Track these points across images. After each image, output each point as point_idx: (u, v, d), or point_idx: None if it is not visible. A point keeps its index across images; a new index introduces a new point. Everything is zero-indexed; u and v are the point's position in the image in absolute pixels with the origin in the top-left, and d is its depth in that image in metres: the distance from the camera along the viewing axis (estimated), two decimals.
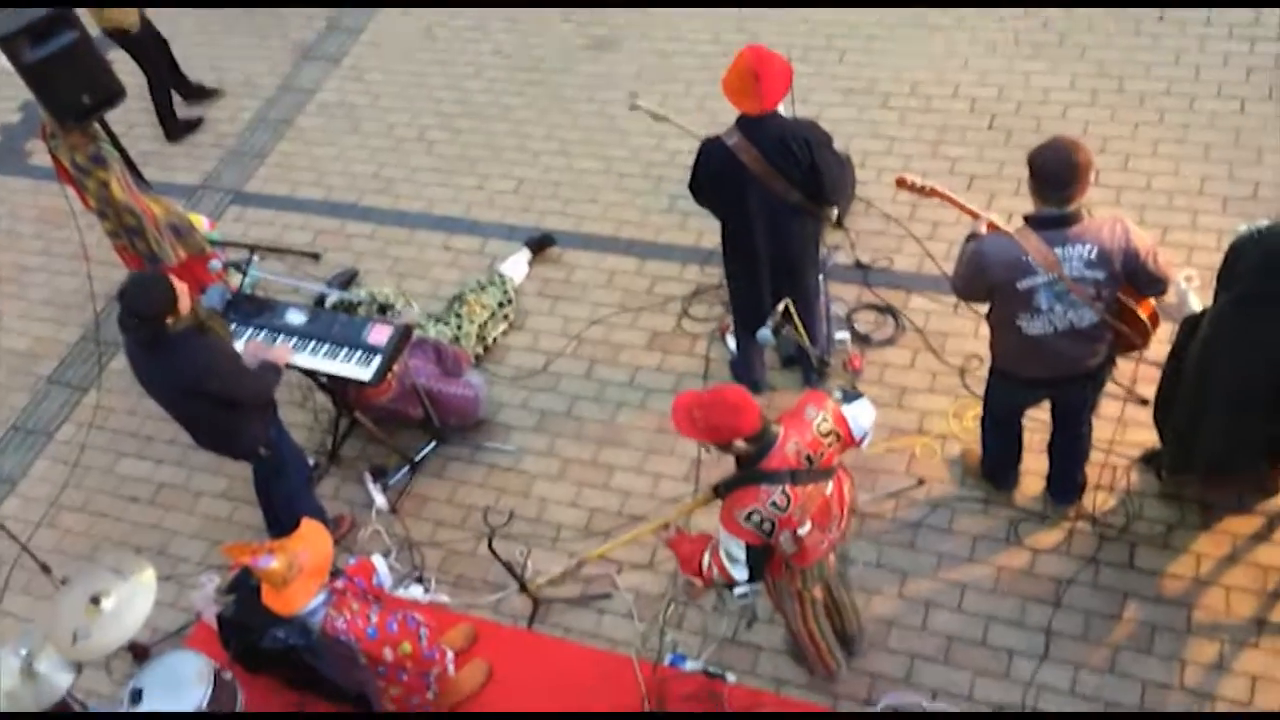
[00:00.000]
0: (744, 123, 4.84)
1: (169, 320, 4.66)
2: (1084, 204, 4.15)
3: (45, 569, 5.26)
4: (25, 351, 7.02)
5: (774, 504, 3.81)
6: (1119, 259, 4.14)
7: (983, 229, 4.49)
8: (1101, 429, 5.22)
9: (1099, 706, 4.58)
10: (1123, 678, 4.64)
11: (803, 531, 3.96)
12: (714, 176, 5.01)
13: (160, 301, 4.65)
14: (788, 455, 3.84)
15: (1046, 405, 4.86)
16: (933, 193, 4.91)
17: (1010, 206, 6.14)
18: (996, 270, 4.21)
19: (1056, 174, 4.04)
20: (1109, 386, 5.30)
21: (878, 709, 4.67)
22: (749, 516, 3.80)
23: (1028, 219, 4.19)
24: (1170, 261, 4.31)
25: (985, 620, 4.90)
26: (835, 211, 5.11)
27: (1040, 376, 4.53)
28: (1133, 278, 4.22)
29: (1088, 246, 4.10)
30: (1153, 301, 4.41)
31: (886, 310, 6.00)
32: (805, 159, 4.81)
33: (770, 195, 4.90)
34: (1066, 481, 5.07)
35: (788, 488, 3.82)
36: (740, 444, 3.80)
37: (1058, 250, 4.10)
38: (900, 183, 4.88)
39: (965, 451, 5.30)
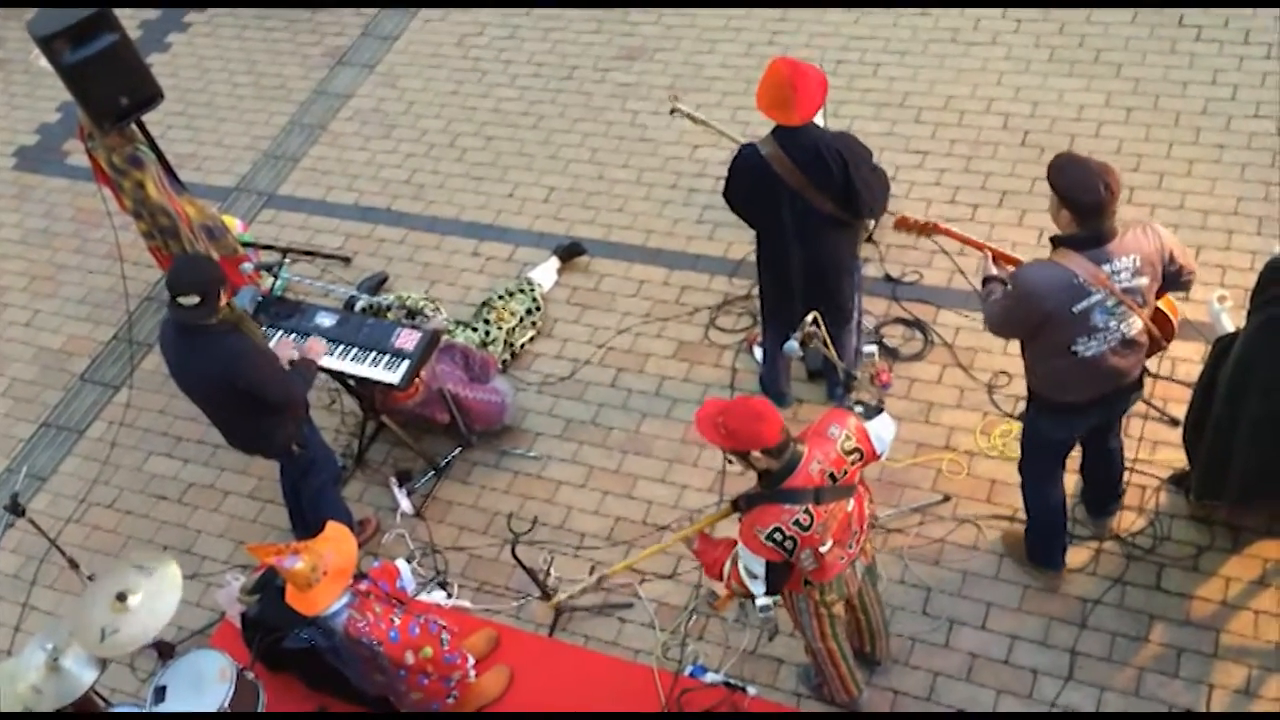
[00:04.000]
0: (780, 133, 4.81)
1: (220, 299, 4.70)
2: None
3: (73, 565, 5.30)
4: (59, 349, 7.09)
5: (797, 523, 3.80)
6: (1159, 262, 4.12)
7: (992, 268, 4.44)
8: (1131, 449, 5.18)
9: None
10: (1148, 701, 4.59)
11: (824, 549, 3.95)
12: (747, 185, 5.00)
13: (210, 277, 4.71)
14: (811, 474, 3.83)
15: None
16: (935, 229, 4.87)
17: (1040, 224, 6.11)
18: (1051, 298, 4.09)
19: (1099, 203, 3.96)
20: (1139, 407, 5.28)
21: None
22: (770, 535, 3.79)
23: (1063, 240, 4.11)
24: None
25: (1010, 639, 4.86)
26: (871, 223, 5.08)
27: (1089, 398, 4.39)
28: (1166, 277, 4.20)
29: (1131, 257, 4.05)
30: (1170, 297, 4.41)
31: (915, 324, 5.98)
32: (840, 173, 4.78)
33: (804, 205, 4.88)
34: (1107, 494, 5.01)
35: (811, 506, 3.80)
36: (759, 456, 3.79)
37: (1105, 267, 4.05)
38: (901, 222, 4.85)
39: (1005, 533, 5.14)
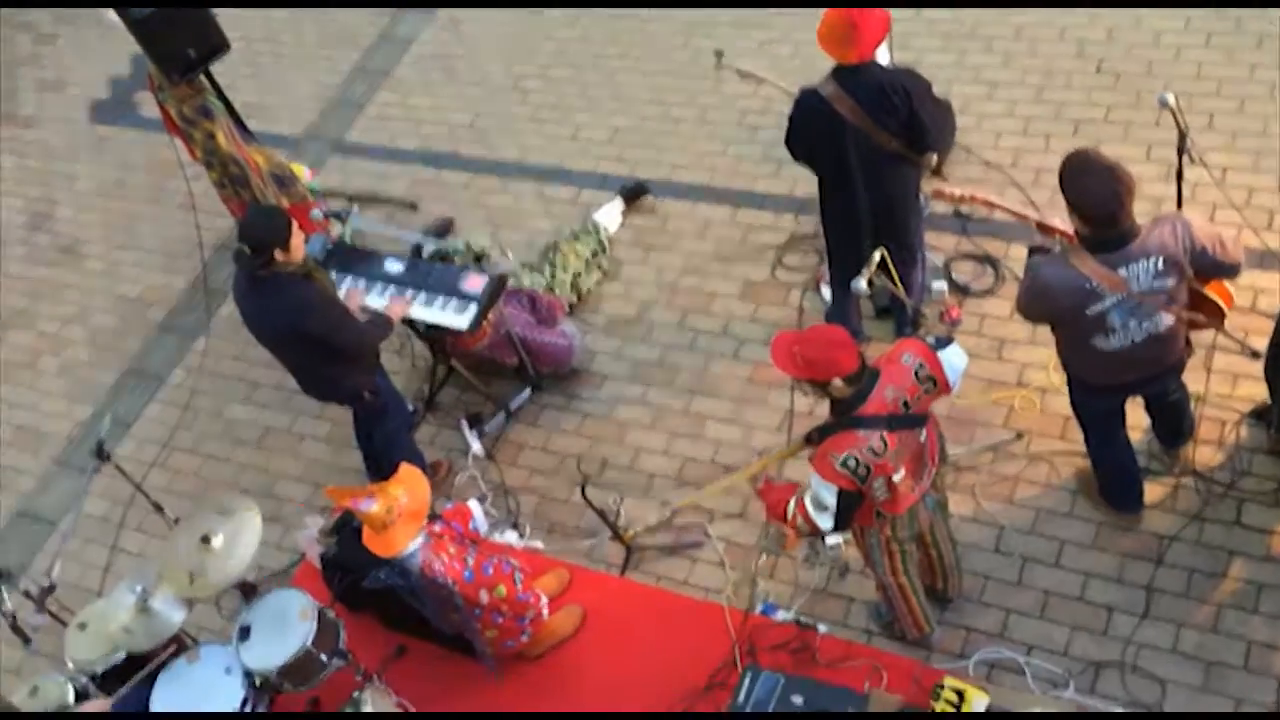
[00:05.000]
0: (840, 72, 4.75)
1: (279, 255, 4.75)
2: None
3: (158, 508, 5.46)
4: (138, 299, 7.25)
5: (871, 449, 3.80)
6: (1186, 260, 3.97)
7: (1039, 238, 4.34)
8: (1213, 383, 5.07)
9: (1200, 666, 4.49)
10: (1227, 637, 4.54)
11: (897, 478, 3.95)
12: (810, 128, 4.94)
13: (274, 231, 4.74)
14: (886, 400, 3.84)
15: None
16: (973, 200, 4.78)
17: (1116, 153, 5.89)
18: (1062, 300, 4.06)
19: (1109, 214, 3.85)
20: (1220, 339, 5.16)
21: (971, 663, 4.64)
22: (845, 461, 3.80)
23: (1080, 239, 4.00)
24: (1239, 240, 4.12)
25: (1084, 576, 4.82)
26: (935, 158, 5.01)
27: (1124, 382, 4.34)
28: (1203, 271, 4.06)
29: (1153, 259, 3.92)
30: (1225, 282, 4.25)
31: (986, 260, 5.87)
32: (904, 108, 4.71)
33: (868, 145, 4.82)
34: (1171, 431, 4.93)
35: (885, 433, 3.81)
36: (838, 384, 3.79)
37: (1122, 271, 3.93)
38: (938, 194, 4.82)
39: (1079, 470, 5.07)
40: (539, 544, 5.45)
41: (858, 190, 4.98)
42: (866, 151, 4.85)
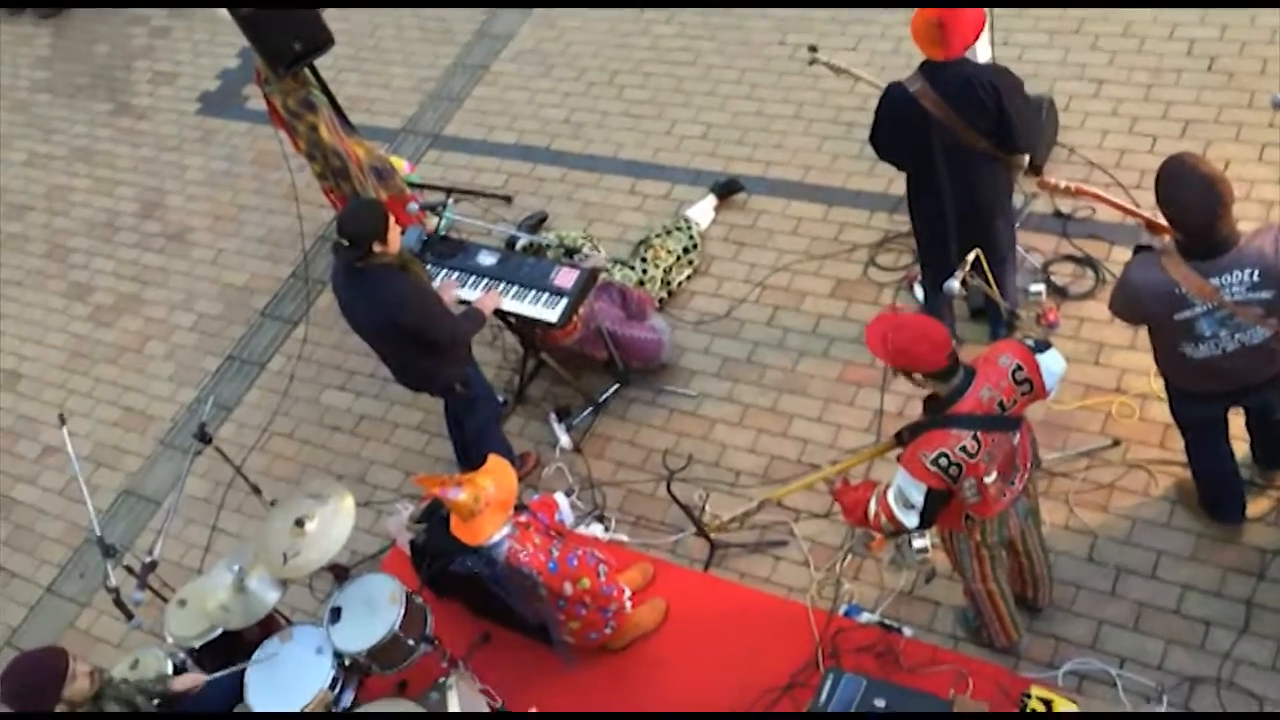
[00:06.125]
0: (928, 68, 4.69)
1: (376, 247, 4.85)
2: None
3: (256, 490, 5.61)
4: (243, 286, 7.45)
5: (963, 448, 3.76)
6: None
7: (1145, 236, 4.23)
8: None
9: None
10: None
11: (988, 480, 3.88)
12: (896, 124, 4.88)
13: (372, 224, 4.84)
14: (981, 400, 3.80)
15: None
16: (1079, 192, 4.68)
17: (1227, 154, 5.77)
18: (1149, 303, 3.97)
19: (1203, 225, 3.75)
20: None
21: (1061, 673, 4.55)
22: (937, 459, 3.76)
23: (1177, 243, 3.88)
24: None
25: (1181, 589, 4.69)
26: (1026, 159, 4.91)
27: (1218, 391, 4.20)
28: None
29: (1248, 271, 3.79)
30: None
31: (1086, 262, 5.74)
32: (992, 106, 4.63)
33: (956, 143, 4.74)
34: (1270, 452, 4.77)
35: (979, 433, 3.76)
36: (920, 379, 3.80)
37: (1214, 280, 3.81)
38: (1043, 185, 4.74)
39: (1179, 480, 4.93)
40: (624, 537, 5.48)
41: (943, 188, 4.91)
42: (952, 149, 4.78)
